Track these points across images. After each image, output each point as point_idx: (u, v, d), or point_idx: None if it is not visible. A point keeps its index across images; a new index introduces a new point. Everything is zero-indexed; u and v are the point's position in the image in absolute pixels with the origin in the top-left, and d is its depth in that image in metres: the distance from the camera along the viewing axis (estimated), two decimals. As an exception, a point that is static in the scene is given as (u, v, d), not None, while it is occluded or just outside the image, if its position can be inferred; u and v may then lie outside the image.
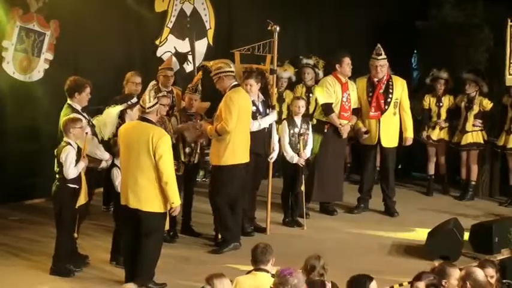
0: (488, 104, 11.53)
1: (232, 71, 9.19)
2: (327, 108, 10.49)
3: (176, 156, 8.80)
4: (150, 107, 7.70)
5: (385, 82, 10.71)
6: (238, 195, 9.13)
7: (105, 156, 8.43)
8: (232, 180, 9.02)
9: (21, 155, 10.24)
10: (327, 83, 10.57)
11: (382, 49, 10.62)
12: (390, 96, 10.71)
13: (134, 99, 8.73)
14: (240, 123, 8.97)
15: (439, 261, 6.67)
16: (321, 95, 10.54)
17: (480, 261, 6.85)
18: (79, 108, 8.46)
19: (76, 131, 7.98)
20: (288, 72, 12.01)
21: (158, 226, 7.80)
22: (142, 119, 7.76)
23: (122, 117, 8.55)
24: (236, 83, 9.19)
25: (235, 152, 8.99)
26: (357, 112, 10.73)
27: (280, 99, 11.92)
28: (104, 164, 8.47)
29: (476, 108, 11.55)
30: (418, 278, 6.06)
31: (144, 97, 7.81)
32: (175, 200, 7.67)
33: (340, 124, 10.51)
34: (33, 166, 10.22)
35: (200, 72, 10.06)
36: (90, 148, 8.16)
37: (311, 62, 12.00)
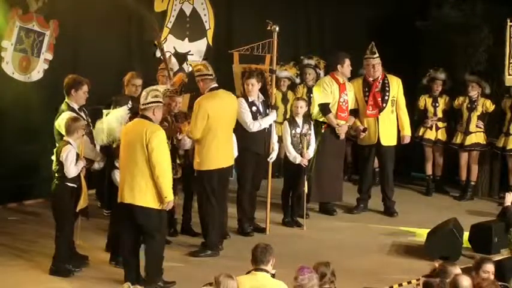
0: (491, 106, 11.56)
1: (210, 74, 8.98)
2: (324, 109, 10.49)
3: (172, 159, 8.79)
4: (143, 104, 7.75)
5: (381, 81, 10.73)
6: (217, 201, 9.03)
7: (97, 156, 8.43)
8: (209, 184, 8.92)
9: (21, 155, 10.23)
10: (324, 84, 10.57)
11: (375, 48, 10.64)
12: (387, 94, 10.73)
13: (129, 104, 8.72)
14: (214, 129, 8.79)
15: (438, 262, 6.66)
16: (318, 96, 10.54)
17: (479, 258, 6.85)
18: (76, 107, 8.47)
19: (80, 131, 7.99)
20: (286, 72, 12.03)
21: (155, 223, 7.78)
22: (141, 116, 7.81)
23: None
24: (215, 85, 8.97)
25: (211, 157, 8.86)
26: (354, 112, 10.72)
27: (285, 100, 11.95)
28: (96, 166, 8.46)
29: (479, 109, 11.56)
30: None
31: (143, 93, 7.85)
32: (168, 194, 7.68)
33: (338, 124, 10.51)
34: (32, 166, 10.20)
35: (180, 74, 10.06)
36: (84, 148, 8.16)
37: (312, 62, 12.05)
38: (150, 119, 7.75)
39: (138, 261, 7.89)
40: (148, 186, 7.67)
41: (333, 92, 10.51)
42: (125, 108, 8.58)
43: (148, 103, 7.75)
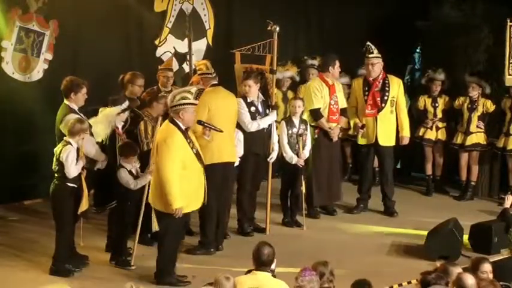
0: (491, 106, 11.57)
1: (210, 73, 9.21)
2: (316, 114, 10.44)
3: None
4: (170, 107, 7.87)
5: (381, 81, 10.72)
6: (219, 200, 9.01)
7: (101, 156, 8.43)
8: (211, 179, 8.77)
9: (21, 155, 10.24)
10: (314, 89, 10.50)
11: (373, 47, 10.63)
12: (387, 94, 10.71)
13: (126, 103, 8.74)
14: (215, 122, 8.77)
15: (440, 262, 6.66)
16: (309, 101, 10.45)
17: (475, 258, 6.85)
18: (76, 108, 8.45)
19: (83, 133, 7.97)
20: (289, 72, 12.06)
21: (162, 226, 7.90)
22: (169, 118, 7.91)
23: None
24: (215, 83, 9.15)
25: (214, 151, 8.82)
26: (345, 112, 10.71)
27: (285, 99, 11.93)
28: (99, 165, 8.47)
29: (480, 110, 11.58)
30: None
31: (170, 95, 7.95)
32: (172, 202, 7.71)
33: (330, 128, 10.48)
34: (32, 166, 10.20)
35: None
36: (86, 148, 8.15)
37: (316, 62, 12.02)
38: (175, 123, 7.80)
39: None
40: (158, 189, 7.82)
41: (324, 96, 10.47)
42: (117, 108, 8.59)
43: (174, 106, 7.82)
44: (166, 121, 7.97)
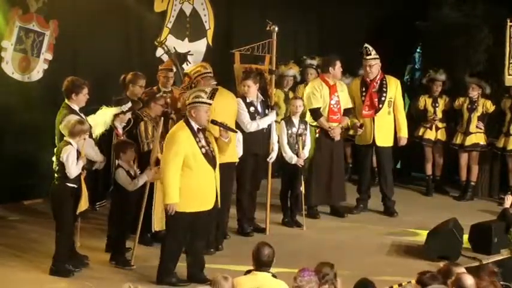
0: (491, 107, 11.58)
1: (209, 72, 9.21)
2: (315, 113, 10.43)
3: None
4: (187, 104, 7.87)
5: (379, 81, 10.71)
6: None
7: (99, 157, 8.43)
8: None
9: (21, 155, 10.23)
10: (314, 89, 10.49)
11: (370, 48, 10.61)
12: (384, 95, 10.70)
13: (129, 104, 8.73)
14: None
15: (443, 262, 6.66)
16: (308, 101, 10.45)
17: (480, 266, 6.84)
18: (77, 108, 8.44)
19: (83, 135, 7.97)
20: (292, 71, 12.07)
21: (167, 224, 7.95)
22: (185, 117, 7.94)
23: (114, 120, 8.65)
24: (215, 83, 9.10)
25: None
26: (349, 112, 10.71)
27: (287, 99, 11.94)
28: (97, 166, 8.47)
29: (480, 110, 11.58)
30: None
31: (187, 94, 8.00)
32: (165, 196, 7.71)
33: (330, 127, 10.48)
34: (32, 166, 10.20)
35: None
36: (86, 150, 8.15)
37: (315, 62, 12.02)
38: (188, 121, 7.81)
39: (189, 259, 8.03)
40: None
41: (323, 96, 10.45)
42: (116, 108, 8.59)
43: (188, 104, 7.85)
44: (182, 119, 8.01)
